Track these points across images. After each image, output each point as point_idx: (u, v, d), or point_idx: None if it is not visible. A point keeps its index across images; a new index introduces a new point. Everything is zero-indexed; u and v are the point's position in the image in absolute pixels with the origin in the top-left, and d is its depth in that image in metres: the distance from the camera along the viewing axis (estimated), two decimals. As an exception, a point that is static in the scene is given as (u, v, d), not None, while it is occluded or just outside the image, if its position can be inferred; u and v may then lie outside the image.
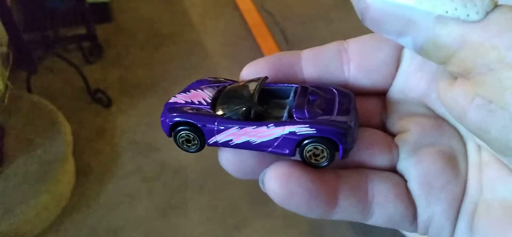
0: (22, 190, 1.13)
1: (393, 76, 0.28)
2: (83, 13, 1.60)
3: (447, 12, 0.19)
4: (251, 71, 0.28)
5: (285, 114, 0.26)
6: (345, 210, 0.25)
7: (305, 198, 0.24)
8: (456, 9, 0.19)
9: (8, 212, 1.09)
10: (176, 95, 0.28)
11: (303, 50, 0.28)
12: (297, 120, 0.25)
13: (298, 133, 0.24)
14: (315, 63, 0.28)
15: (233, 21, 1.82)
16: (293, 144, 0.25)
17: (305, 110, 0.25)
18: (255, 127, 0.25)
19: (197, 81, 0.30)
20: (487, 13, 0.19)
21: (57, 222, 1.21)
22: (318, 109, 0.25)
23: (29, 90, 1.44)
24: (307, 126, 0.24)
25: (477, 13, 0.19)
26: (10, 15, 1.31)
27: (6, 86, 1.13)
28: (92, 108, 1.49)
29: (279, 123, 0.25)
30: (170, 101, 0.28)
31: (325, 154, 0.24)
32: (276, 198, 0.24)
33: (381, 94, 0.29)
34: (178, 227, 1.23)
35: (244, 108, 0.25)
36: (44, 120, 1.26)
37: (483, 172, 0.25)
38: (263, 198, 1.31)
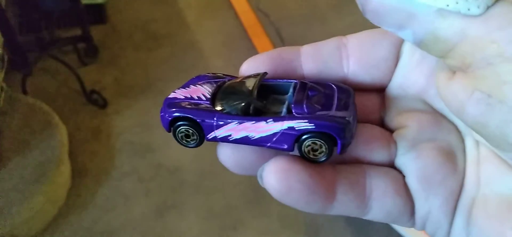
0: (18, 192, 1.12)
1: (392, 72, 0.28)
2: (78, 14, 1.60)
3: (448, 5, 0.19)
4: (251, 66, 0.28)
5: (284, 109, 0.26)
6: (343, 205, 0.25)
7: (304, 193, 0.24)
8: (457, 3, 0.19)
9: (4, 213, 1.09)
10: (175, 91, 0.28)
11: (303, 46, 0.28)
12: (296, 115, 0.25)
13: (296, 128, 0.24)
14: (314, 58, 0.28)
15: (228, 21, 1.82)
16: (292, 139, 0.25)
17: (304, 106, 0.25)
18: (254, 122, 0.25)
19: (196, 77, 0.30)
20: (488, 7, 0.19)
21: (53, 224, 1.21)
22: (317, 104, 0.25)
23: (25, 92, 1.43)
24: (306, 121, 0.24)
25: (478, 7, 0.19)
26: (5, 17, 1.31)
27: (1, 88, 1.13)
28: (87, 110, 1.48)
29: (278, 118, 0.25)
30: (169, 96, 0.28)
31: (323, 149, 0.25)
32: (275, 193, 0.24)
33: (380, 90, 0.29)
34: (175, 228, 1.23)
35: (243, 104, 0.25)
36: (39, 121, 1.26)
37: (481, 167, 0.25)
38: (259, 198, 1.31)
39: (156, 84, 1.55)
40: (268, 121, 0.25)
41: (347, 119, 0.25)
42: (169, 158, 1.36)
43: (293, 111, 0.25)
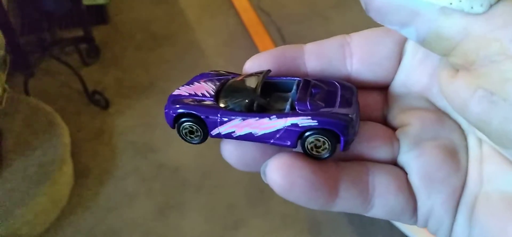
0: (21, 192, 1.12)
1: (395, 70, 0.28)
2: (80, 15, 1.60)
3: (451, 3, 0.20)
4: (255, 64, 0.28)
5: (288, 106, 0.26)
6: (346, 202, 0.25)
7: (306, 189, 0.24)
8: (460, 1, 0.19)
9: (6, 214, 1.09)
10: (180, 88, 0.28)
11: (306, 44, 0.28)
12: (299, 111, 0.25)
13: (300, 125, 0.25)
14: (318, 56, 0.28)
15: (229, 20, 1.82)
16: (295, 135, 0.25)
17: (307, 103, 0.25)
18: (257, 118, 0.25)
19: (200, 75, 0.30)
20: (491, 5, 0.19)
21: (55, 224, 1.21)
22: (320, 101, 0.25)
23: (27, 93, 1.44)
24: (309, 117, 0.24)
25: (481, 5, 0.19)
26: (7, 18, 1.32)
27: (4, 89, 1.13)
28: (89, 110, 1.49)
29: (281, 114, 0.25)
30: (174, 93, 0.28)
31: (326, 145, 0.25)
32: (278, 189, 0.24)
33: (383, 88, 0.29)
34: (177, 227, 1.23)
35: (247, 101, 0.26)
36: (42, 122, 1.26)
37: (484, 165, 0.25)
38: (261, 197, 1.32)
39: (158, 84, 1.56)
40: (271, 117, 0.25)
41: (350, 116, 0.25)
42: (171, 157, 1.36)
43: (297, 108, 0.25)
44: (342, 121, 0.24)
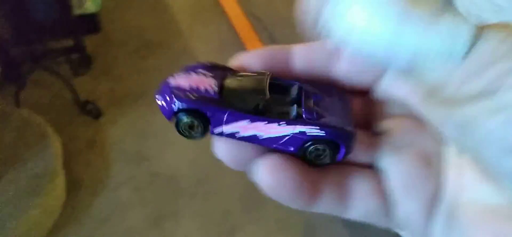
0: (13, 205, 1.12)
1: (380, 77, 0.28)
2: (71, 25, 1.60)
3: (430, 48, 0.19)
4: (242, 61, 0.28)
5: (294, 113, 0.26)
6: (326, 203, 0.25)
7: (291, 189, 0.24)
8: (440, 43, 0.19)
9: (-1, 227, 1.09)
10: (175, 77, 0.27)
11: (295, 45, 0.29)
12: (307, 120, 0.25)
13: (308, 134, 0.25)
14: (306, 58, 0.28)
15: (221, 27, 1.82)
16: (300, 143, 0.25)
17: (314, 112, 0.26)
18: (266, 122, 0.25)
19: (195, 65, 0.29)
20: (472, 45, 0.19)
21: None
22: (325, 111, 0.26)
23: (18, 104, 1.43)
24: (318, 128, 0.25)
25: (463, 45, 0.19)
26: (-4, 30, 1.31)
27: (-6, 102, 1.13)
28: (82, 121, 1.48)
29: (291, 121, 0.25)
30: (171, 83, 0.26)
31: (327, 153, 0.25)
32: (265, 187, 0.24)
33: (366, 93, 0.29)
34: (172, 236, 1.23)
35: (257, 103, 0.25)
36: (33, 133, 1.26)
37: (462, 174, 0.25)
38: (256, 203, 1.30)
39: (150, 92, 1.54)
40: (280, 123, 0.25)
41: (354, 130, 0.25)
42: (164, 165, 1.36)
43: (304, 116, 0.25)
44: (350, 135, 0.25)
